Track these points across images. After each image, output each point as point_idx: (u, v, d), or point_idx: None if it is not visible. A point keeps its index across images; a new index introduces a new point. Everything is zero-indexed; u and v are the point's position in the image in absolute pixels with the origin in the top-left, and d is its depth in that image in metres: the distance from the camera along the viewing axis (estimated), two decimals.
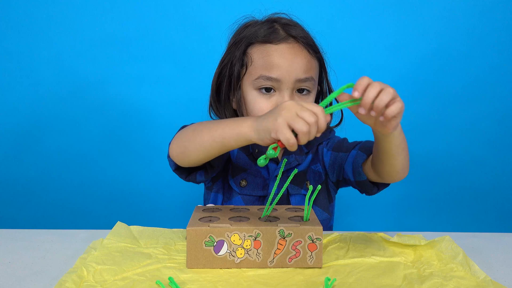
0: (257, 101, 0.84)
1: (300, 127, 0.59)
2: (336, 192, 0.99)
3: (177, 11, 1.40)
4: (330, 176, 0.93)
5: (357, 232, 0.80)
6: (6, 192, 1.49)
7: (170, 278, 0.62)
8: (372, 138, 0.77)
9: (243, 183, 0.90)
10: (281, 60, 0.81)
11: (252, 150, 0.91)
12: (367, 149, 0.84)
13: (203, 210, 0.75)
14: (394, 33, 1.41)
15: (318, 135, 0.61)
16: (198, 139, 0.73)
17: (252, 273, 0.65)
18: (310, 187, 0.68)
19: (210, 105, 0.93)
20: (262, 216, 0.70)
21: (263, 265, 0.66)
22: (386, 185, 0.85)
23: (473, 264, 0.66)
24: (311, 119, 0.59)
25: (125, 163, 1.46)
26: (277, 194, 0.69)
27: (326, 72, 0.91)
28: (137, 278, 0.63)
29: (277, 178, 0.69)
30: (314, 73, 0.85)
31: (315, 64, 0.86)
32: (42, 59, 1.41)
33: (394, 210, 1.52)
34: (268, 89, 0.83)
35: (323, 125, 0.60)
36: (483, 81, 1.44)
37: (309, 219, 0.69)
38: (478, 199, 1.52)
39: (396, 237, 0.74)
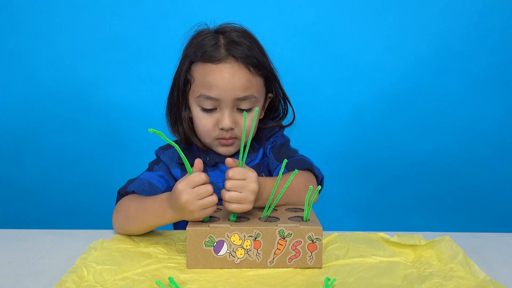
0: (200, 118, 0.86)
1: (209, 203, 0.66)
2: None
3: (177, 11, 1.39)
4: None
5: (357, 232, 0.80)
6: (6, 192, 1.49)
7: (170, 278, 0.62)
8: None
9: None
10: (219, 80, 0.82)
11: (204, 159, 0.91)
12: (292, 166, 0.85)
13: None
14: (394, 33, 1.41)
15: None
16: (135, 226, 0.77)
17: (252, 273, 0.65)
18: (310, 187, 0.68)
19: (167, 116, 0.94)
20: (262, 216, 0.70)
21: (263, 265, 0.66)
22: None
23: (473, 264, 0.66)
24: (208, 192, 0.66)
25: (125, 163, 1.46)
26: (277, 194, 0.69)
27: (278, 83, 0.91)
28: (137, 278, 0.63)
29: (278, 178, 0.69)
30: (256, 91, 0.85)
31: (256, 81, 0.86)
32: (42, 59, 1.41)
33: (394, 210, 1.52)
34: (209, 109, 0.85)
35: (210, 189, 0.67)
36: (483, 81, 1.44)
37: (309, 219, 0.69)
38: (478, 199, 1.52)
39: (396, 237, 0.74)
